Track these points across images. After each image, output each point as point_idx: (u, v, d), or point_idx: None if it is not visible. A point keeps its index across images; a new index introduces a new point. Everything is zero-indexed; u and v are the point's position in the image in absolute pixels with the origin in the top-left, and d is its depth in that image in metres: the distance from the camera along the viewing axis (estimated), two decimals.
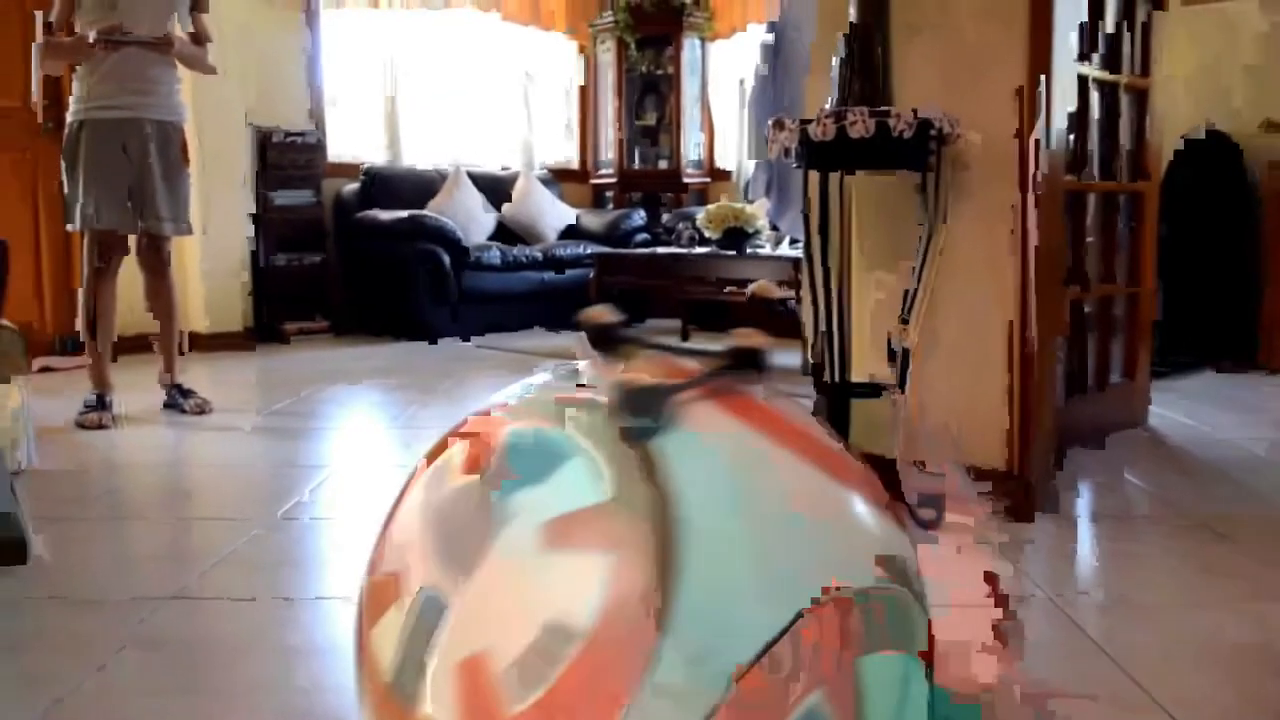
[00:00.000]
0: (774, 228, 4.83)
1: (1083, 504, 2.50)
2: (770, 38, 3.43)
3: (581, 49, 7.62)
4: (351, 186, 6.18)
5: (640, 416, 0.79)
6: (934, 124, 2.21)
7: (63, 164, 3.49)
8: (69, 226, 3.55)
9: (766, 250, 4.91)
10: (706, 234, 5.10)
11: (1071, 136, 2.76)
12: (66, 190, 3.50)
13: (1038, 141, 2.27)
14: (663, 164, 7.50)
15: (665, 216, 6.84)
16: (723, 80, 7.54)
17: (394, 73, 6.53)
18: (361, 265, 6.05)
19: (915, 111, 2.19)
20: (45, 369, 4.55)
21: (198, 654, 1.64)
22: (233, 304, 5.45)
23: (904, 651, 0.80)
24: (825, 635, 0.73)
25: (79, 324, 3.64)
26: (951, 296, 2.39)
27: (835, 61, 2.48)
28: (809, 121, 2.25)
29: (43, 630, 1.72)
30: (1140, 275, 3.35)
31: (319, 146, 5.97)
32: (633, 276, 5.66)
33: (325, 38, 6.26)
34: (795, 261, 4.50)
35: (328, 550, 2.24)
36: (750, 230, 5.00)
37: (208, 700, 1.46)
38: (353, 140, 6.47)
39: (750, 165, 7.23)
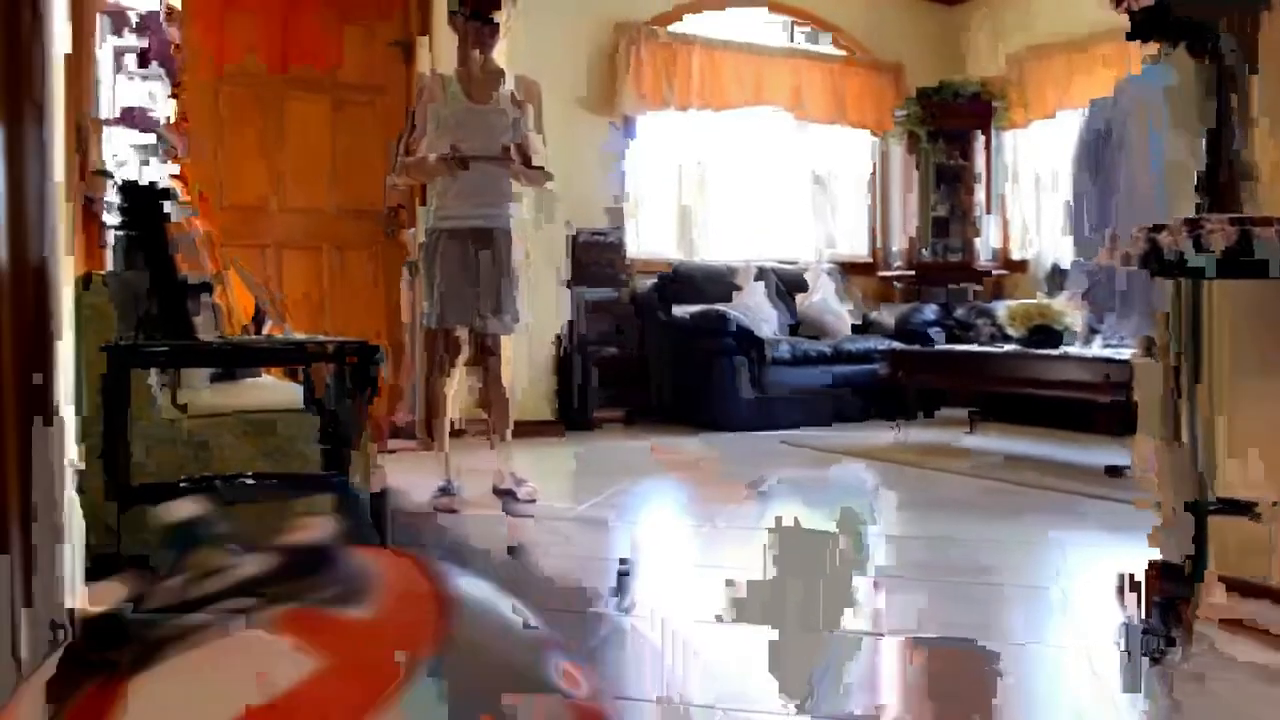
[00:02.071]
0: (1093, 330, 4.61)
1: None
2: (1091, 129, 3.30)
3: (878, 143, 7.64)
4: (654, 282, 6.47)
5: None
6: None
7: (421, 270, 3.89)
8: (424, 324, 3.94)
9: (1076, 349, 4.69)
10: (1009, 331, 4.93)
11: None
12: (423, 294, 3.89)
13: None
14: (956, 256, 7.36)
15: (960, 310, 6.68)
16: (1021, 170, 7.35)
17: (694, 172, 6.81)
18: (663, 358, 6.29)
19: None
20: (388, 453, 5.00)
21: None
22: (546, 393, 5.80)
23: None
24: None
25: (421, 413, 3.99)
26: None
27: (1188, 160, 2.36)
28: (1159, 229, 2.14)
29: None
30: None
31: (624, 245, 6.30)
32: (930, 374, 5.54)
33: (638, 139, 6.64)
34: (1110, 362, 4.27)
35: (672, 656, 2.31)
36: (1058, 328, 4.80)
37: None
38: (656, 237, 6.78)
39: (1048, 257, 6.96)
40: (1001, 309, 5.21)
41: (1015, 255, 7.42)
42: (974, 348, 5.07)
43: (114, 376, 2.09)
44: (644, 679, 2.13)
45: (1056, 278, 6.62)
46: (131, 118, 2.48)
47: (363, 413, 2.38)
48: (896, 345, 5.99)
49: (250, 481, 2.29)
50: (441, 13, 5.44)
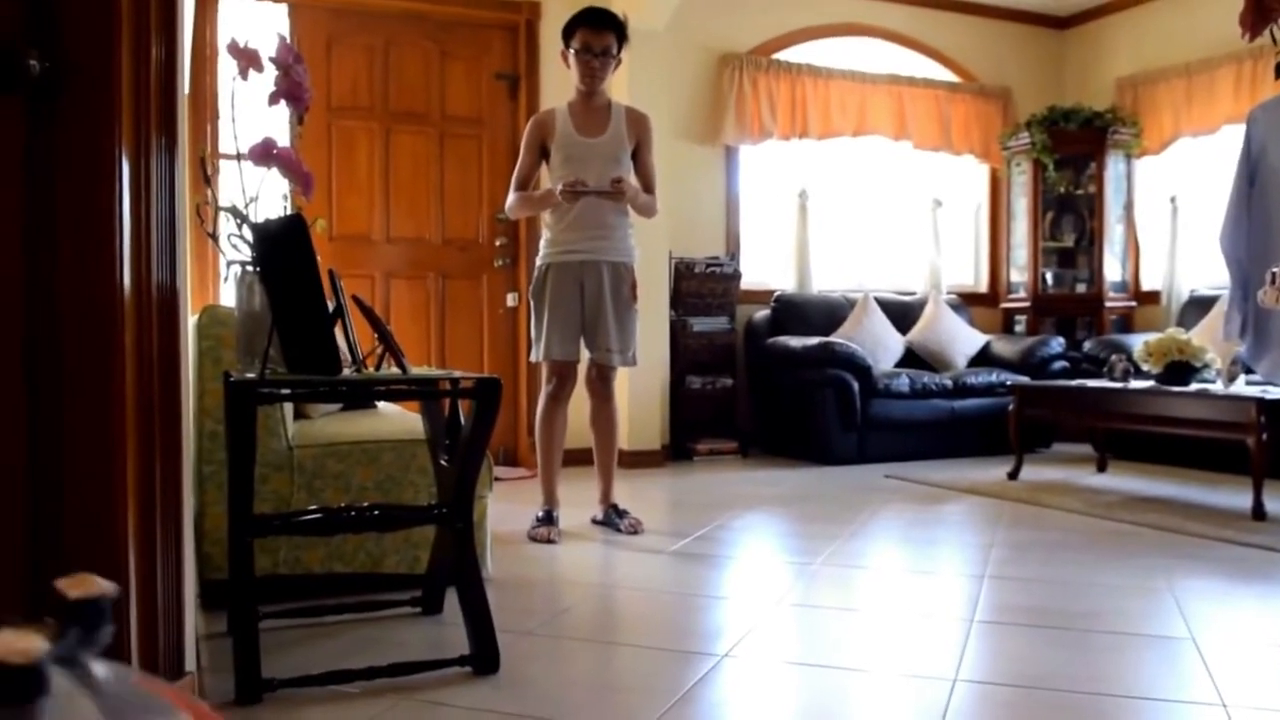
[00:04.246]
0: (1248, 370, 4.34)
1: None
2: (1240, 157, 3.12)
3: (992, 171, 7.46)
4: (763, 313, 6.39)
5: None
6: None
7: (531, 303, 3.92)
8: (532, 358, 3.96)
9: (1217, 388, 4.42)
10: (1144, 367, 4.70)
11: None
12: (533, 325, 3.91)
13: None
14: (1081, 287, 7.08)
15: (1087, 344, 6.41)
16: (1151, 198, 7.05)
17: (804, 201, 6.72)
18: (770, 389, 6.20)
19: None
20: (495, 479, 5.04)
21: None
22: (652, 424, 5.76)
23: None
24: None
25: (536, 442, 3.99)
26: None
27: None
28: None
29: None
30: None
31: (735, 276, 6.24)
32: (1057, 410, 5.31)
33: (742, 169, 6.61)
34: (1258, 403, 4.03)
35: (773, 699, 2.24)
36: (1197, 365, 4.55)
37: None
38: (764, 268, 6.71)
39: (1184, 290, 6.66)
40: (1138, 343, 4.95)
41: (1147, 287, 7.11)
42: (1116, 384, 4.81)
43: (239, 410, 2.13)
44: None
45: (1190, 310, 6.33)
46: (261, 155, 2.54)
47: (484, 446, 2.37)
48: (1024, 380, 5.77)
49: (353, 514, 2.30)
50: (548, 46, 5.54)
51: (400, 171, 5.60)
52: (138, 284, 1.76)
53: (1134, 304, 7.08)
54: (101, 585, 0.64)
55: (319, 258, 2.13)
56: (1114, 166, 7.00)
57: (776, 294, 6.48)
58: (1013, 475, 5.15)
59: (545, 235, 3.90)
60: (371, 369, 2.41)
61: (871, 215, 7.16)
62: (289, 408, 3.00)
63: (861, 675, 2.29)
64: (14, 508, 1.64)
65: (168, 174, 1.84)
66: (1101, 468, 5.47)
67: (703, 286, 6.13)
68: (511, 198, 3.94)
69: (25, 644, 0.58)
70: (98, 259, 1.72)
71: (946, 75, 7.30)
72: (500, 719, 1.98)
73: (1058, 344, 6.51)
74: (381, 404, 3.75)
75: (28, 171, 1.66)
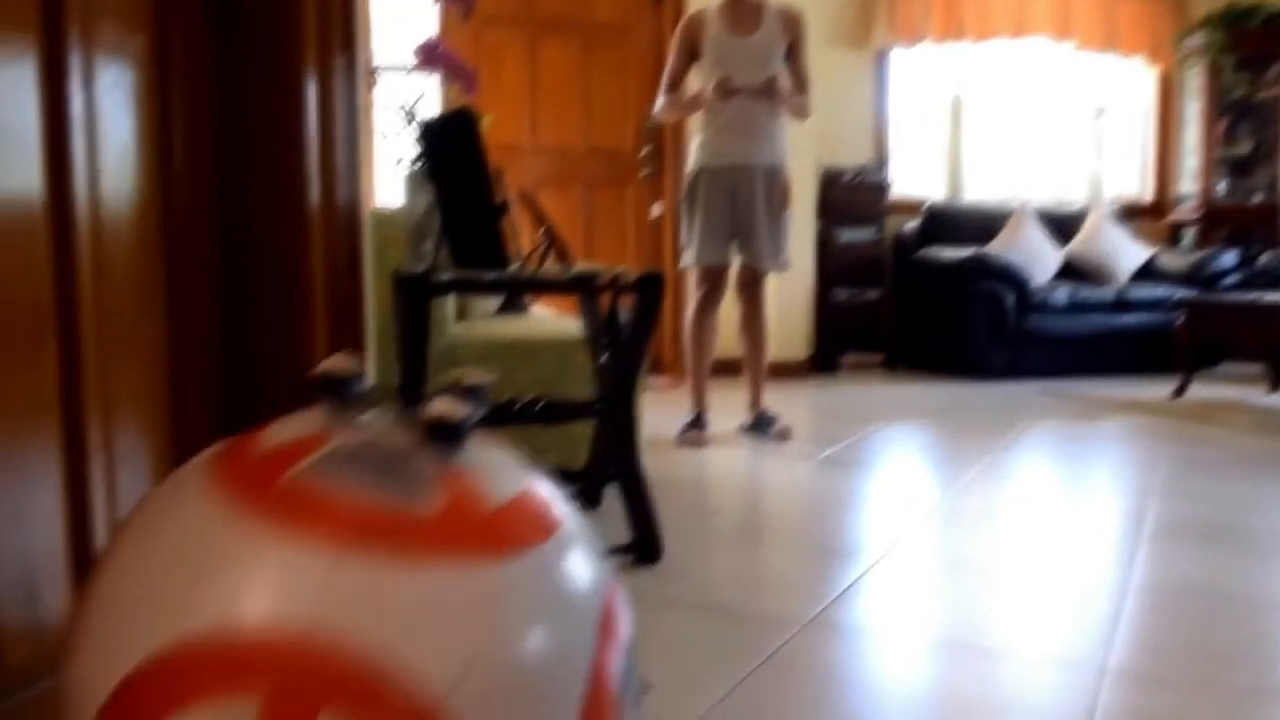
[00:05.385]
0: None
1: None
2: None
3: (1162, 74, 6.99)
4: (912, 224, 6.22)
5: None
6: None
7: (683, 206, 3.90)
8: (682, 263, 3.95)
9: None
10: None
11: None
12: (684, 230, 3.90)
13: None
14: (1257, 198, 6.63)
15: (1264, 257, 6.02)
16: None
17: (958, 108, 6.46)
18: (919, 302, 6.06)
19: None
20: (646, 383, 5.10)
21: (836, 682, 1.69)
22: (797, 334, 5.72)
23: None
24: None
25: (686, 348, 4.00)
26: None
27: None
28: None
29: (689, 637, 1.89)
30: None
31: (883, 185, 6.08)
32: (1230, 326, 5.02)
33: (892, 75, 6.38)
34: None
35: (925, 605, 2.23)
36: None
37: None
38: (915, 177, 6.51)
39: None
40: None
41: None
42: None
43: (411, 305, 2.20)
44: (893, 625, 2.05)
45: None
46: (426, 57, 2.57)
47: (646, 345, 2.38)
48: (1195, 294, 5.47)
49: (519, 408, 2.36)
50: None
51: (547, 80, 5.61)
52: (324, 199, 1.82)
53: None
54: (348, 362, 0.91)
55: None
56: None
57: (927, 204, 6.29)
58: (1178, 393, 4.92)
59: (696, 139, 3.87)
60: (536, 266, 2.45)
61: (1030, 122, 6.83)
62: (452, 306, 3.09)
63: (1021, 585, 2.25)
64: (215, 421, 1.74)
65: (347, 89, 1.89)
66: (1275, 387, 5.18)
67: (850, 196, 5.99)
68: (661, 100, 3.91)
69: (454, 407, 0.87)
70: (288, 178, 1.78)
71: None
72: (663, 604, 2.03)
73: (1231, 257, 6.15)
74: (535, 309, 3.82)
75: (219, 95, 1.73)
